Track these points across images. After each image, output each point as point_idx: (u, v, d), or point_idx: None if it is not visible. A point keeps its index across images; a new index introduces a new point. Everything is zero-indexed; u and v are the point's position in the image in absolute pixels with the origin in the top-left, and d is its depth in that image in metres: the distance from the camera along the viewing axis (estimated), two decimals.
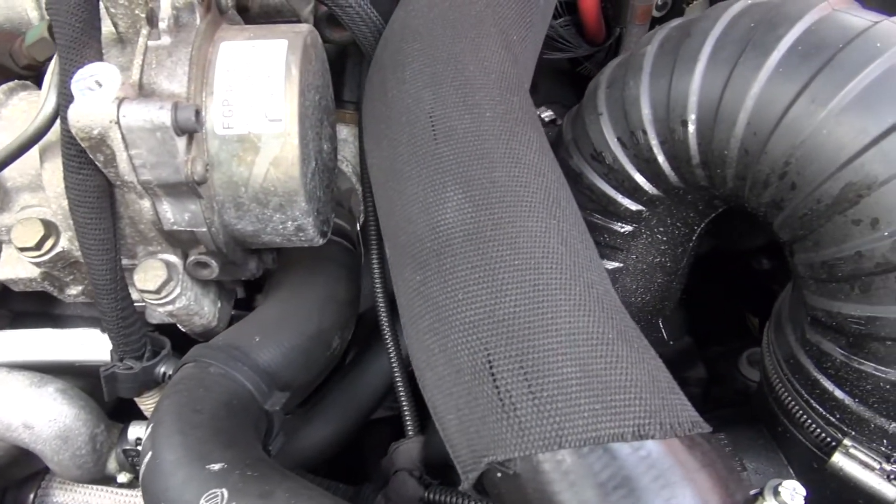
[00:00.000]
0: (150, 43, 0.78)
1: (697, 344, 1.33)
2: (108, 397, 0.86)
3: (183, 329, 0.94)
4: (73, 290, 0.93)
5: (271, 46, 0.80)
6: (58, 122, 0.77)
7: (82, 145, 0.73)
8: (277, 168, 0.78)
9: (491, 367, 0.57)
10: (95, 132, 0.71)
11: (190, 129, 0.72)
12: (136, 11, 0.79)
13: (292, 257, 1.00)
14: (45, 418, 0.90)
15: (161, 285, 0.82)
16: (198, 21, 0.80)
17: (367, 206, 0.98)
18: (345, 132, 1.16)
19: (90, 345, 0.96)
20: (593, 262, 0.65)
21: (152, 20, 0.78)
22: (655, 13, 1.16)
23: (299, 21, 0.98)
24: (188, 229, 0.80)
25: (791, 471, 0.73)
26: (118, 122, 0.71)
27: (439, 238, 0.65)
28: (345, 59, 1.18)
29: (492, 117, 0.71)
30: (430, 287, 0.64)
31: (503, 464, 0.56)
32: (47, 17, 1.03)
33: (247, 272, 0.93)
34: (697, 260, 1.08)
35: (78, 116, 0.71)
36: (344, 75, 1.18)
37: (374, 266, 0.94)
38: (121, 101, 0.71)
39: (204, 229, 0.80)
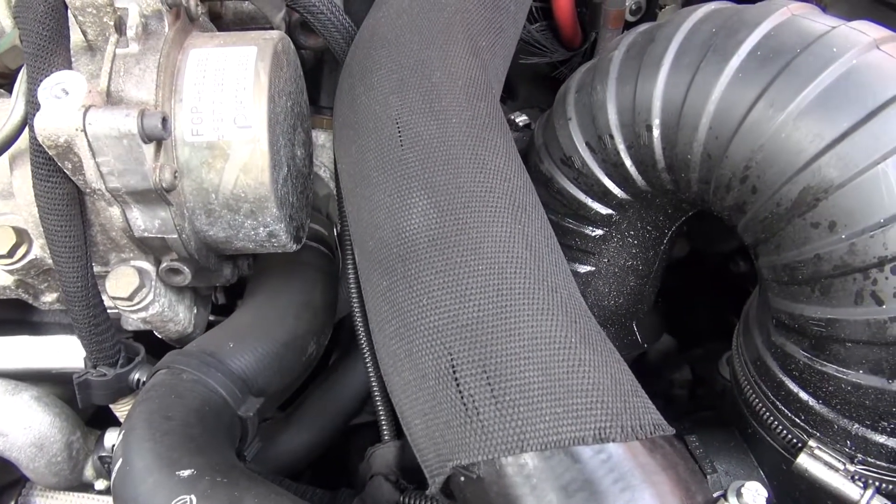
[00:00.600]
0: (119, 51, 0.78)
1: (681, 346, 1.34)
2: (81, 404, 0.86)
3: (159, 335, 0.94)
4: (48, 298, 0.93)
5: (240, 53, 0.81)
6: (27, 130, 0.78)
7: (50, 153, 0.73)
8: (247, 174, 0.78)
9: (454, 372, 0.58)
10: (62, 140, 0.71)
11: (157, 137, 0.72)
12: (105, 19, 0.79)
13: (268, 263, 1.00)
14: (20, 426, 0.90)
15: (133, 292, 0.82)
16: (166, 29, 0.80)
17: (342, 212, 0.98)
18: (322, 137, 1.16)
19: (67, 352, 0.96)
20: (559, 266, 0.66)
21: (120, 28, 0.79)
22: (630, 17, 1.17)
23: (272, 28, 0.98)
24: (159, 236, 0.80)
25: (761, 472, 0.73)
26: (84, 130, 0.71)
27: (404, 243, 0.66)
28: (322, 64, 1.18)
29: (458, 123, 0.72)
30: (395, 292, 0.64)
31: (467, 468, 0.56)
32: None
33: (221, 278, 0.93)
34: (677, 262, 1.08)
35: (44, 124, 0.71)
36: (321, 81, 1.18)
37: (350, 271, 0.94)
38: (87, 109, 0.71)
39: (175, 236, 0.80)
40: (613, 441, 0.54)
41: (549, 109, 0.89)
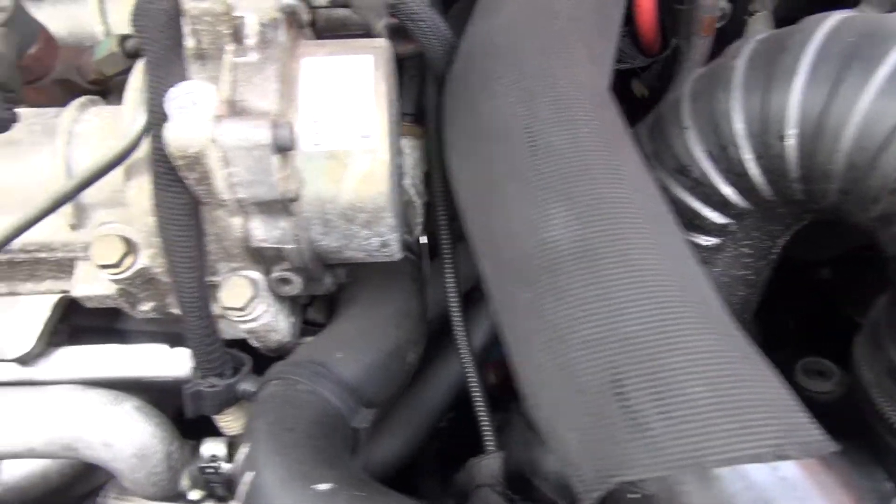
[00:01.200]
0: (237, 60, 0.78)
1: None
2: (190, 415, 0.86)
3: (257, 345, 0.93)
4: (146, 307, 0.92)
5: (356, 62, 0.80)
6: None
7: (176, 164, 0.73)
8: (366, 184, 0.78)
9: (619, 386, 0.57)
10: (192, 151, 0.71)
11: (286, 147, 0.72)
12: (220, 28, 0.78)
13: (363, 271, 0.99)
14: (124, 436, 0.89)
15: (247, 302, 0.82)
16: (282, 37, 0.80)
17: (439, 217, 0.97)
18: (402, 144, 1.15)
19: (162, 361, 0.95)
20: (702, 277, 0.65)
21: (239, 37, 0.78)
22: None
23: (365, 34, 0.98)
24: (276, 246, 0.79)
25: (893, 485, 0.73)
26: (216, 141, 0.70)
27: (548, 255, 0.65)
28: (402, 71, 1.17)
29: (588, 132, 0.71)
30: (542, 304, 0.64)
31: (635, 484, 0.55)
32: (114, 32, 1.02)
33: (323, 287, 0.92)
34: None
35: (175, 135, 0.70)
36: (401, 88, 1.17)
37: (449, 279, 0.94)
38: (218, 120, 0.70)
39: (292, 246, 0.79)
40: (790, 458, 0.53)
41: (656, 117, 0.88)
